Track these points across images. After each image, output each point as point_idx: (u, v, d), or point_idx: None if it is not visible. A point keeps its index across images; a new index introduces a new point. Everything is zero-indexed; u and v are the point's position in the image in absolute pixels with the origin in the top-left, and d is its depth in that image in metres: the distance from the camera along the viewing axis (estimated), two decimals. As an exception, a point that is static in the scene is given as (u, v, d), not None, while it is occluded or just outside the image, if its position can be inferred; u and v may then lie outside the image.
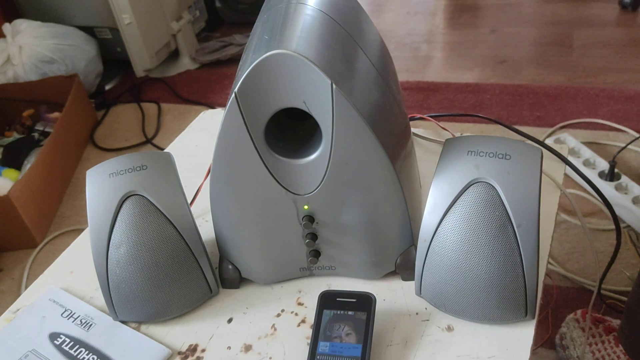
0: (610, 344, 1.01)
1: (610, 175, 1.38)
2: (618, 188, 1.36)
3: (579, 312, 1.09)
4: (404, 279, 0.72)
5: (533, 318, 0.64)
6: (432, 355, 0.63)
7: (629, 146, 1.48)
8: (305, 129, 0.68)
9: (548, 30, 2.23)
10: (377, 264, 0.71)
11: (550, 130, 1.66)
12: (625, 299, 1.15)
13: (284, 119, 0.68)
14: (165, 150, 0.73)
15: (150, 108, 2.20)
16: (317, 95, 0.60)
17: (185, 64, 2.44)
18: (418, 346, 0.64)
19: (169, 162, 0.72)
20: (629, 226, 1.31)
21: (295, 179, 0.66)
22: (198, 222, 0.86)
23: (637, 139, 1.43)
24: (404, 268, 0.71)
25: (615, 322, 1.05)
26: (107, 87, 2.40)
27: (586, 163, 1.46)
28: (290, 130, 0.69)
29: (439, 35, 2.36)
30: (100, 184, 0.70)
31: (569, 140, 1.55)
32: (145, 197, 0.69)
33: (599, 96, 1.78)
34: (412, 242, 0.70)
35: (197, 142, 1.04)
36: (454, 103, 1.84)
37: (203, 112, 1.12)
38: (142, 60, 2.32)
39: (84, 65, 2.21)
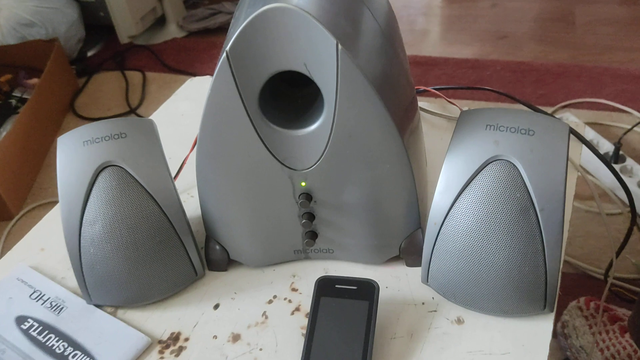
0: (615, 334, 0.97)
1: (615, 158, 1.32)
2: (623, 171, 1.31)
3: (582, 299, 1.04)
4: (409, 265, 0.65)
5: (552, 311, 0.58)
6: (441, 350, 0.57)
7: (635, 128, 1.42)
8: (305, 96, 0.61)
9: (550, 5, 2.16)
10: (380, 247, 0.65)
11: (552, 109, 1.60)
12: (630, 286, 1.10)
13: (280, 84, 0.61)
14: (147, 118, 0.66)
15: (134, 77, 2.10)
16: (320, 57, 0.53)
17: (172, 31, 2.34)
18: (425, 339, 0.58)
19: (151, 129, 0.65)
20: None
21: (292, 152, 0.59)
22: (183, 198, 0.79)
23: (644, 119, 1.38)
24: (409, 253, 0.64)
25: (621, 311, 1.00)
26: (90, 54, 2.29)
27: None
28: (288, 98, 0.62)
29: (436, 9, 2.28)
30: (73, 153, 0.62)
31: (572, 121, 1.49)
32: (124, 169, 0.61)
33: (603, 75, 1.72)
34: (419, 224, 0.64)
35: (183, 110, 0.96)
36: (453, 79, 1.77)
37: (190, 79, 1.04)
38: (126, 26, 2.22)
39: (65, 29, 2.10)
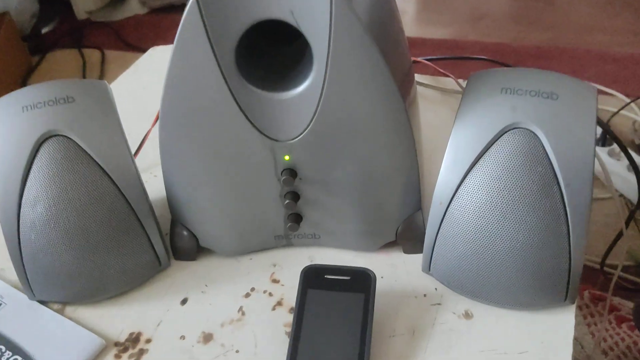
0: (612, 324, 0.91)
1: (603, 141, 1.27)
2: (611, 154, 1.26)
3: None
4: (407, 252, 0.57)
5: (573, 303, 0.51)
6: (448, 349, 0.49)
7: (620, 111, 1.37)
8: (291, 54, 0.52)
9: (528, -14, 2.11)
10: (374, 232, 0.56)
11: (533, 91, 1.55)
12: (625, 275, 1.05)
13: (260, 41, 0.52)
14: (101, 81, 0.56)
15: (92, 55, 1.97)
16: (310, 4, 0.44)
17: (134, 7, 2.20)
18: (429, 337, 0.50)
19: (104, 93, 0.55)
20: (621, 195, 1.21)
21: (274, 120, 0.50)
22: (144, 178, 0.68)
23: (631, 102, 1.33)
24: (407, 238, 0.56)
25: (616, 300, 0.95)
26: (44, 30, 2.14)
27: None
28: (269, 56, 0.52)
29: (411, -12, 2.20)
30: (11, 120, 0.52)
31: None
32: (71, 139, 0.52)
33: (585, 57, 1.67)
34: (420, 205, 0.56)
35: (145, 82, 0.86)
36: (421, 70, 1.70)
37: (153, 47, 0.93)
38: (83, 1, 2.07)
39: (16, 3, 1.95)
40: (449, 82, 0.76)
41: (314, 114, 0.49)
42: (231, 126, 0.50)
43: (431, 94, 0.76)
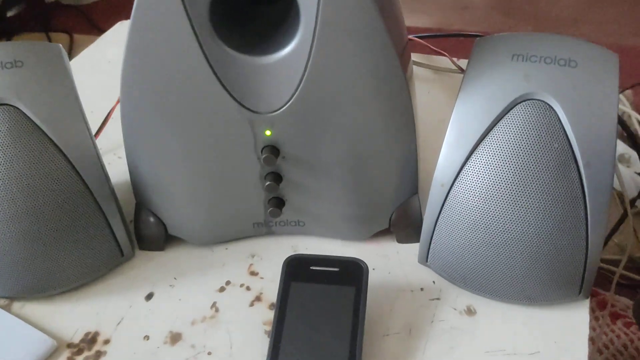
0: (606, 321, 0.87)
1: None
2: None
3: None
4: (401, 241, 0.51)
5: (587, 297, 0.45)
6: (450, 350, 0.43)
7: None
8: (274, 15, 0.45)
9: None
10: (365, 218, 0.50)
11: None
12: (615, 268, 1.01)
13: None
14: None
15: (60, 39, 1.87)
16: (297, -50, 0.38)
17: (105, -9, 2.11)
18: (427, 336, 0.44)
19: (57, 58, 0.48)
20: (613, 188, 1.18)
21: (254, 88, 0.43)
22: (107, 159, 0.62)
23: (620, 93, 1.30)
24: (402, 226, 0.51)
25: (610, 295, 0.91)
26: (10, 14, 2.04)
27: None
28: (249, 17, 0.46)
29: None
30: (-54, 87, 0.45)
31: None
32: (19, 109, 0.45)
33: (571, 48, 1.64)
34: (416, 189, 0.50)
35: (111, 57, 0.78)
36: (413, 49, 1.65)
37: (120, 22, 0.86)
38: (51, -17, 1.98)
39: (-22, -17, 1.84)
40: (443, 61, 0.70)
41: (300, 82, 0.42)
42: (204, 95, 0.43)
43: (424, 73, 0.71)
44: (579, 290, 0.45)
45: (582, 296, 0.45)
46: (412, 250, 0.50)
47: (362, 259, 0.46)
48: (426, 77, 0.70)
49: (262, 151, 0.46)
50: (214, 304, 0.48)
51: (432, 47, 0.70)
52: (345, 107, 0.44)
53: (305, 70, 0.42)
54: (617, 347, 0.83)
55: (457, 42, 0.76)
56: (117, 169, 0.59)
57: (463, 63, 0.69)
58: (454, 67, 0.68)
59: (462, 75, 0.69)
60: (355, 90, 0.43)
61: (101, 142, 0.62)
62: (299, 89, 0.43)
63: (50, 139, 0.45)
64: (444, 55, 0.69)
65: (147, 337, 0.45)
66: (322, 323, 0.42)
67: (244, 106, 0.44)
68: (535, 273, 0.43)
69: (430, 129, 0.61)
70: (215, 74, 0.42)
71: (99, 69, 0.75)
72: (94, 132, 0.63)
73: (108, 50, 0.79)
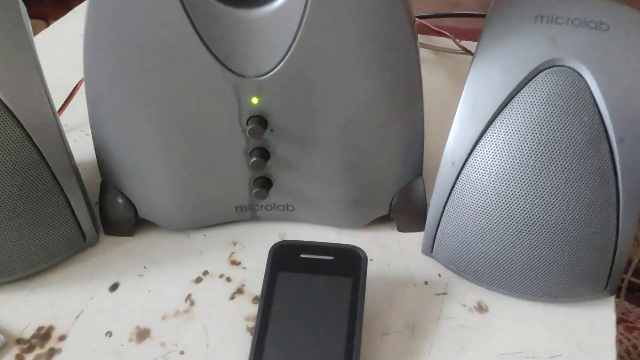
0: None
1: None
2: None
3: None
4: (402, 229, 0.46)
5: (612, 294, 0.40)
6: (459, 351, 0.38)
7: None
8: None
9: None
10: (362, 203, 0.45)
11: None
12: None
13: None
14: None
15: (36, 26, 1.79)
16: None
17: (85, -21, 2.03)
18: (433, 336, 0.39)
19: (13, 10, 0.42)
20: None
21: (239, 47, 0.38)
22: (74, 136, 0.56)
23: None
24: (404, 211, 0.45)
25: (619, 301, 0.86)
26: (-17, -1, 1.94)
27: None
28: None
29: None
30: None
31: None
32: (-36, 66, 0.38)
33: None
34: (421, 170, 0.45)
35: (82, 30, 0.72)
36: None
37: (95, -5, 0.79)
38: (29, -32, 1.89)
39: (-50, -35, 1.76)
40: (445, 42, 0.65)
41: (293, 41, 0.37)
42: (181, 55, 0.37)
43: (424, 54, 0.65)
44: (605, 285, 0.39)
45: (608, 292, 0.40)
46: (415, 239, 0.45)
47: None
48: (426, 59, 0.65)
49: (247, 122, 0.40)
50: (188, 297, 0.42)
51: (432, 27, 0.65)
52: (345, 73, 0.38)
53: (299, 27, 0.36)
54: (619, 353, 0.78)
55: (458, 24, 0.71)
56: (84, 147, 0.53)
57: (466, 44, 0.64)
58: (456, 48, 0.63)
59: (466, 56, 0.65)
60: (357, 53, 0.37)
61: (67, 118, 0.56)
62: (292, 50, 0.37)
63: (7, 108, 0.39)
64: (446, 35, 0.64)
65: (109, 334, 0.39)
66: (313, 319, 0.37)
67: (227, 68, 0.38)
68: (558, 265, 0.38)
69: (432, 112, 0.56)
70: (195, 29, 0.36)
71: (69, 42, 0.68)
72: (59, 106, 0.57)
73: (79, 23, 0.73)
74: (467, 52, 0.62)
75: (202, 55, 0.37)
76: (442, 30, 0.65)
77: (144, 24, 0.36)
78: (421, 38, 0.67)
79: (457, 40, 0.64)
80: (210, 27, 0.37)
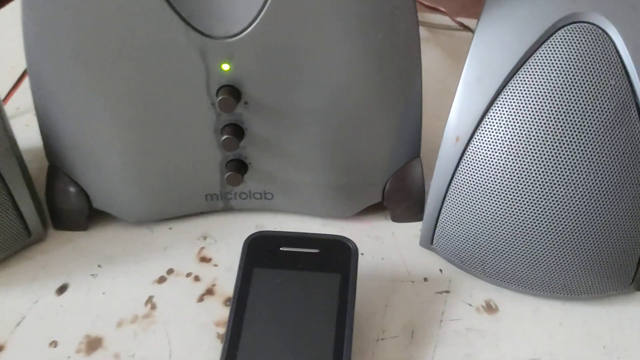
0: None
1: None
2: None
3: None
4: (397, 219, 0.40)
5: (639, 289, 0.35)
6: (467, 358, 0.32)
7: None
8: None
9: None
10: (351, 189, 0.39)
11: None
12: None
13: None
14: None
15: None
16: None
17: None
18: (436, 341, 0.33)
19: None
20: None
21: (206, 2, 0.32)
22: (24, 120, 0.50)
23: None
24: (400, 198, 0.39)
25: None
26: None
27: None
28: None
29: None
30: None
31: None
32: None
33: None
34: (419, 150, 0.39)
35: None
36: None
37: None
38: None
39: None
40: (441, 19, 0.60)
41: (269, -6, 0.31)
42: (138, 12, 0.31)
43: (416, 33, 0.60)
44: (632, 278, 0.34)
45: (634, 287, 0.35)
46: (412, 230, 0.39)
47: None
48: (421, 37, 0.59)
49: (217, 93, 0.34)
50: (149, 299, 0.36)
51: (426, 3, 0.60)
52: (331, 34, 0.32)
53: (276, -24, 0.31)
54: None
55: (452, 1, 0.66)
56: (36, 132, 0.47)
57: (463, 21, 0.59)
58: (453, 24, 0.58)
59: (463, 32, 0.60)
60: (346, 9, 0.32)
61: (20, 100, 0.50)
62: (267, 4, 0.31)
63: None
64: (441, 11, 0.59)
65: (54, 343, 0.33)
66: (295, 324, 0.31)
67: (192, 27, 0.32)
68: (579, 255, 0.33)
69: (429, 92, 0.51)
70: (152, -21, 0.31)
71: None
72: (9, 87, 0.51)
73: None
74: (465, 28, 0.57)
75: (161, 11, 0.31)
76: (437, 7, 0.60)
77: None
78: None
79: (454, 16, 0.59)
80: (171, -22, 0.31)
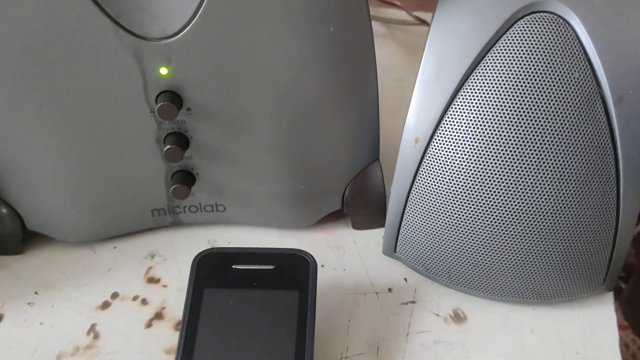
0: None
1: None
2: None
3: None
4: (358, 227, 0.38)
5: (611, 289, 0.34)
6: (437, 375, 0.30)
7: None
8: None
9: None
10: (308, 197, 0.37)
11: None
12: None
13: None
14: None
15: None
16: None
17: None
18: (403, 356, 0.31)
19: None
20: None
21: (140, 1, 0.29)
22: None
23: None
24: (360, 205, 0.37)
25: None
26: None
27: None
28: None
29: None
30: None
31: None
32: None
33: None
34: (377, 153, 0.37)
35: None
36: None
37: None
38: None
39: None
40: (396, 13, 0.58)
41: (208, -11, 0.28)
42: (60, 12, 0.28)
43: (373, 28, 0.58)
44: (603, 279, 0.33)
45: (606, 287, 0.33)
46: (374, 237, 0.37)
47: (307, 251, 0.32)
48: (376, 32, 0.56)
49: (156, 100, 0.32)
50: (92, 328, 0.33)
51: (381, -2, 0.58)
52: (277, 31, 0.30)
53: (214, -30, 0.28)
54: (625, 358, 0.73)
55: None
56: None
57: (420, 15, 0.57)
58: (409, 19, 0.56)
59: (420, 27, 0.58)
60: (291, 3, 0.29)
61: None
62: (207, 0, 0.29)
63: None
64: (397, 5, 0.57)
65: (-17, 385, 0.30)
66: (251, 347, 0.28)
67: (124, 28, 0.29)
68: (548, 258, 0.31)
69: (386, 90, 0.49)
70: (76, -23, 0.28)
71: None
72: None
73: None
74: (422, 22, 0.55)
75: (85, 9, 0.28)
76: (392, 1, 0.58)
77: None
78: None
79: (410, 10, 0.57)
80: (97, -26, 0.28)
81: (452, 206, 0.31)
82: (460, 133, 0.30)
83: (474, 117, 0.30)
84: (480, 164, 0.30)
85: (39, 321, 0.33)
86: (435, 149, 0.31)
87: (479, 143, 0.30)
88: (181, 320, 0.30)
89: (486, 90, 0.30)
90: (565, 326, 0.33)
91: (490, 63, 0.30)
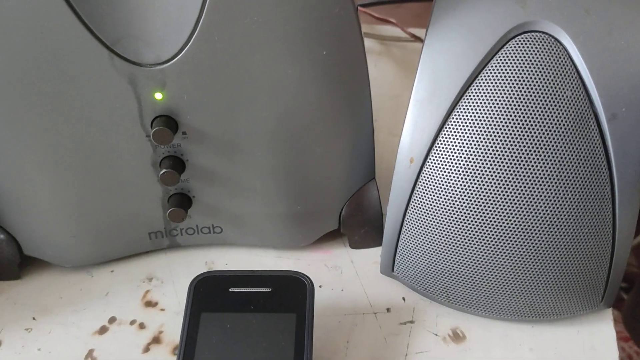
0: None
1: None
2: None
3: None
4: (355, 246, 0.38)
5: (609, 305, 0.33)
6: (436, 397, 0.30)
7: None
8: None
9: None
10: (305, 218, 0.37)
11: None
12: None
13: None
14: None
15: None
16: None
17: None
18: (403, 378, 0.31)
19: None
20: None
21: (131, 26, 0.29)
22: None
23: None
24: (357, 225, 0.37)
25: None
26: None
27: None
28: None
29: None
30: None
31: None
32: None
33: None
34: (373, 172, 0.37)
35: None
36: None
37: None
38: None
39: None
40: (391, 30, 0.58)
41: (201, 13, 0.29)
42: (58, 40, 0.29)
43: (367, 44, 0.58)
44: (602, 296, 0.33)
45: (605, 304, 0.33)
46: (372, 256, 0.37)
47: (304, 273, 0.32)
48: (371, 49, 0.57)
49: (152, 124, 0.32)
50: (89, 354, 0.32)
51: (376, 15, 0.58)
52: (270, 54, 0.30)
53: (208, -5, 0.28)
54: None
55: (403, 12, 0.65)
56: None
57: (415, 31, 0.57)
58: (404, 36, 0.56)
59: (415, 43, 0.58)
60: (285, 25, 0.30)
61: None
62: (200, 26, 0.29)
63: None
64: (392, 22, 0.57)
65: (-19, 413, 0.30)
66: (249, 371, 0.28)
67: (118, 55, 0.29)
68: (546, 277, 0.31)
69: (382, 107, 0.49)
70: (70, 5, 0.28)
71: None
72: None
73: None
74: (417, 39, 0.55)
75: (81, 38, 0.29)
76: (387, 18, 0.58)
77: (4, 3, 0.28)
78: (364, 27, 0.60)
79: (405, 27, 0.57)
80: (90, 1, 0.28)
81: (449, 226, 0.31)
82: (455, 153, 0.31)
83: (468, 137, 0.30)
84: (475, 184, 0.30)
85: (37, 347, 0.33)
86: (430, 168, 0.31)
87: (474, 163, 0.30)
88: (178, 344, 0.30)
89: (479, 110, 0.30)
90: (565, 344, 0.32)
91: (483, 83, 0.30)
